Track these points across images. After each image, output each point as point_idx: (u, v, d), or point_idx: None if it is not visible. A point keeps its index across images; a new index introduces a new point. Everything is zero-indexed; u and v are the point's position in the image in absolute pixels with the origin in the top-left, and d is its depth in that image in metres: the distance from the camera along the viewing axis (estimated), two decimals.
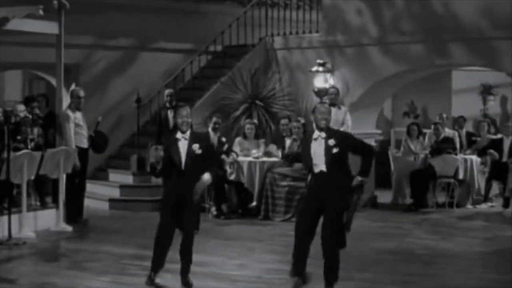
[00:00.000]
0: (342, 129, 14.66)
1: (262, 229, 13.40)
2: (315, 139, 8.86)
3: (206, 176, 9.06)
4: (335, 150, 8.74)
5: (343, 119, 14.95)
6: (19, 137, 12.80)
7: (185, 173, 9.05)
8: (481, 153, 16.00)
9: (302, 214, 9.04)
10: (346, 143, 8.85)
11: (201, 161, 9.10)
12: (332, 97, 15.23)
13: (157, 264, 9.23)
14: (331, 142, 8.76)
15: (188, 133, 9.15)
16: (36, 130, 13.24)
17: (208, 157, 9.17)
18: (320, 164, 8.79)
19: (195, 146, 9.07)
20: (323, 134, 8.82)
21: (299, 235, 8.84)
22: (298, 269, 8.88)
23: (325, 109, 8.99)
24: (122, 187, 15.82)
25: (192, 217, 9.17)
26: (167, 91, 15.57)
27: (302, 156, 9.14)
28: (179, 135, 9.14)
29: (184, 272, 9.19)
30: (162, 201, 9.34)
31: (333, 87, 15.46)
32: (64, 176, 13.23)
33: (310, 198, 8.94)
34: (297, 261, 8.86)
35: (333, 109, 14.88)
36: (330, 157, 8.74)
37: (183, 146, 9.09)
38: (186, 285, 9.17)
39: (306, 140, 9.11)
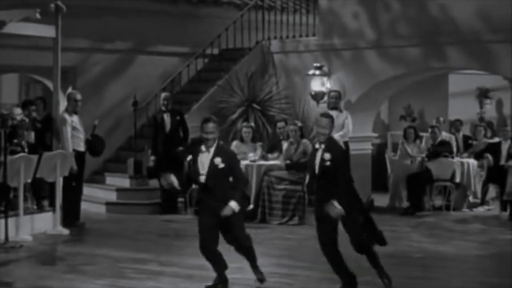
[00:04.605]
0: (341, 132, 14.76)
1: (259, 233, 13.37)
2: (317, 150, 9.01)
3: (232, 204, 8.88)
4: (328, 164, 8.87)
5: (343, 122, 14.97)
6: (15, 141, 12.79)
7: (207, 185, 8.98)
8: (479, 156, 16.01)
9: None
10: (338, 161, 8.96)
11: (224, 176, 9.00)
12: (333, 101, 15.27)
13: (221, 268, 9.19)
14: (327, 156, 8.85)
15: (213, 147, 9.01)
16: (32, 134, 13.24)
17: (230, 173, 9.06)
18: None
19: (217, 160, 8.95)
20: (323, 146, 8.94)
21: None
22: None
23: (325, 123, 9.01)
24: (119, 190, 15.81)
25: (237, 228, 9.09)
26: (163, 95, 15.57)
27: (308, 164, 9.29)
28: (203, 147, 9.07)
29: (254, 267, 9.30)
30: (198, 211, 9.27)
31: (334, 90, 15.48)
32: (61, 180, 13.22)
33: None
34: None
35: (334, 113, 15.01)
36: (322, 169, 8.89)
37: (205, 158, 8.99)
38: (259, 280, 9.29)
39: (313, 149, 9.19)
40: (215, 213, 8.83)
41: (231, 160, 9.09)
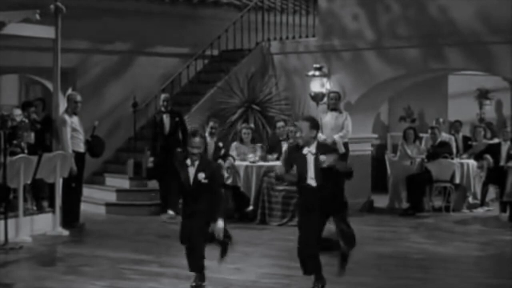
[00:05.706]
0: (341, 133, 14.76)
1: (258, 234, 13.40)
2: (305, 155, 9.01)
3: (219, 224, 9.06)
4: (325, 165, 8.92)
5: (343, 123, 14.98)
6: (15, 142, 12.79)
7: (193, 196, 9.12)
8: (478, 157, 16.02)
9: None
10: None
11: (207, 189, 9.13)
12: (332, 102, 15.26)
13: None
14: (323, 158, 8.88)
15: (197, 161, 9.13)
16: (32, 135, 13.24)
17: (212, 186, 9.20)
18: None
19: (201, 176, 9.09)
20: (313, 150, 8.93)
21: None
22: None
23: (302, 127, 9.07)
24: (119, 191, 15.81)
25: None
26: (163, 96, 15.59)
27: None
28: (189, 161, 9.14)
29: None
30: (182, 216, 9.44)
31: (334, 91, 15.47)
32: (61, 181, 13.22)
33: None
34: None
35: (334, 114, 15.08)
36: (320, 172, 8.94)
37: (189, 172, 9.12)
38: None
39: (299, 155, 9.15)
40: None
41: (213, 174, 9.23)
